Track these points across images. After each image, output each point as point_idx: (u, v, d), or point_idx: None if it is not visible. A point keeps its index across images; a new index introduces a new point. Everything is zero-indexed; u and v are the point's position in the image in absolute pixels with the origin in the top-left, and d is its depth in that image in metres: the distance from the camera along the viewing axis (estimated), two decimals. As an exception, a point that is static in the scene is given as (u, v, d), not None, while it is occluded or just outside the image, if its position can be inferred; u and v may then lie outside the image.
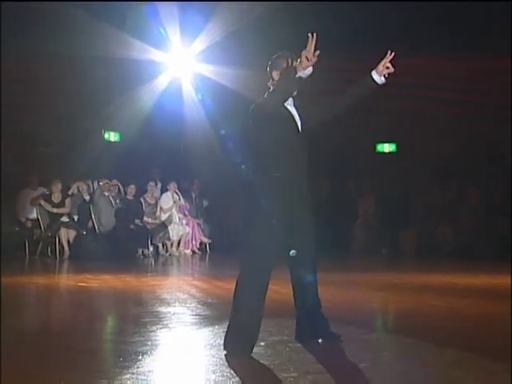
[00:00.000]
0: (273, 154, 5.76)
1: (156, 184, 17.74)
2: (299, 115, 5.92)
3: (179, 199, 17.39)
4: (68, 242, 15.65)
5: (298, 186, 5.83)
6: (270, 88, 5.92)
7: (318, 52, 5.54)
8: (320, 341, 5.99)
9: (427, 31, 15.93)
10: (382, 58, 6.07)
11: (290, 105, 5.89)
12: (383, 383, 4.90)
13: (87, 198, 16.31)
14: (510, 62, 15.81)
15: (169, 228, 16.86)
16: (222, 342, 5.69)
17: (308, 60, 5.52)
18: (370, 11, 15.55)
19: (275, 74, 5.90)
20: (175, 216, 17.20)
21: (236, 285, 5.70)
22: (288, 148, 5.78)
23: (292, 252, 5.84)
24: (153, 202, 17.16)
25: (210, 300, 8.95)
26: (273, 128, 5.74)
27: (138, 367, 5.13)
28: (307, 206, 5.93)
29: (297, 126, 5.88)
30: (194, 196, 18.15)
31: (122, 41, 15.33)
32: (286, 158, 5.76)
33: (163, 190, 17.55)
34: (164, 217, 17.07)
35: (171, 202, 17.23)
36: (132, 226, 16.30)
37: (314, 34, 5.58)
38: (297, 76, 5.60)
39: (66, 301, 9.83)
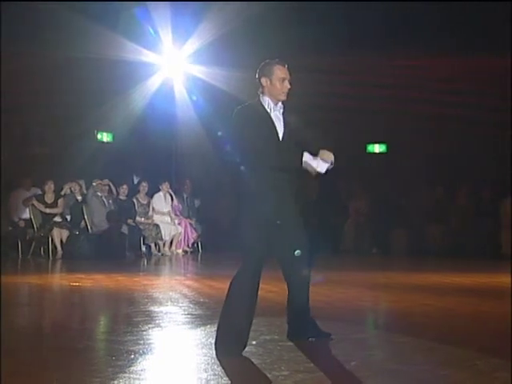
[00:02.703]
0: (254, 158, 5.80)
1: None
2: (285, 122, 5.97)
3: (172, 200, 17.43)
4: (61, 241, 15.68)
5: (288, 186, 5.88)
6: (259, 95, 5.98)
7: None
8: (311, 339, 6.04)
9: (417, 33, 15.98)
10: None
11: (277, 111, 5.95)
12: (374, 382, 4.92)
13: (80, 198, 16.33)
14: (501, 63, 15.88)
15: (161, 228, 16.89)
16: (214, 341, 5.74)
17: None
18: (359, 13, 15.60)
19: (264, 81, 5.94)
20: (167, 216, 17.23)
21: (230, 284, 5.75)
22: (270, 151, 5.81)
23: (297, 252, 5.90)
24: (145, 202, 17.19)
25: (201, 299, 8.98)
26: (253, 132, 5.77)
27: (130, 366, 5.16)
28: (297, 207, 5.99)
29: (276, 130, 5.91)
30: (185, 196, 18.17)
31: (115, 42, 15.36)
32: (268, 161, 5.80)
33: (152, 191, 17.52)
34: (156, 217, 17.10)
35: (163, 202, 17.26)
36: (124, 226, 16.33)
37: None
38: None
39: (58, 300, 9.84)
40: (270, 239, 5.77)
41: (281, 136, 5.92)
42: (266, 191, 5.75)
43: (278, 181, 5.80)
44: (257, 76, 5.98)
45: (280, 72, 5.92)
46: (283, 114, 5.98)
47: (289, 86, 5.93)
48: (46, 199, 16.07)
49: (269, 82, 5.91)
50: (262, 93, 5.95)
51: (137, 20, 15.70)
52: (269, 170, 5.77)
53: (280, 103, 5.95)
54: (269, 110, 5.91)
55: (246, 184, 5.83)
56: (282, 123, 5.95)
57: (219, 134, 14.16)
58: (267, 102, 5.91)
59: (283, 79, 5.91)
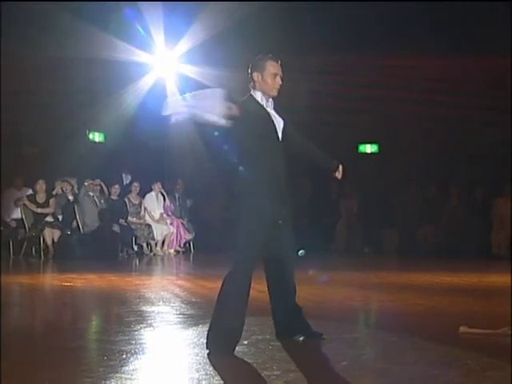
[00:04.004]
0: (252, 156, 5.81)
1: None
2: (280, 116, 5.98)
3: (164, 200, 17.43)
4: (52, 241, 15.65)
5: (278, 187, 5.88)
6: (250, 90, 5.98)
7: None
8: (301, 339, 6.05)
9: (409, 32, 16.01)
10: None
11: (269, 107, 5.96)
12: (365, 381, 4.94)
13: (71, 197, 16.30)
14: (492, 63, 15.93)
15: (153, 228, 16.89)
16: (205, 340, 5.74)
17: None
18: (351, 13, 15.62)
19: (255, 76, 5.94)
20: (159, 216, 17.23)
21: (222, 284, 5.75)
22: (267, 150, 5.82)
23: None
24: (137, 201, 17.18)
25: (193, 299, 8.99)
26: (252, 130, 5.78)
27: (122, 366, 5.15)
28: (287, 208, 6.00)
29: (275, 128, 5.92)
30: (177, 196, 18.17)
31: (107, 42, 15.34)
32: (266, 159, 5.80)
33: (144, 190, 17.50)
34: (148, 217, 17.09)
35: (155, 202, 17.26)
36: (116, 226, 16.32)
37: None
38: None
39: (50, 300, 9.83)
40: (266, 239, 5.79)
41: (280, 133, 5.93)
42: (265, 191, 5.76)
43: (273, 181, 5.81)
44: (249, 71, 5.97)
45: (272, 67, 5.91)
46: (275, 110, 5.99)
47: (280, 82, 5.93)
48: (37, 199, 16.04)
49: (260, 77, 5.90)
50: (254, 88, 5.95)
51: (129, 20, 15.70)
52: (266, 170, 5.78)
53: (271, 99, 5.96)
54: (264, 106, 5.92)
55: (245, 184, 5.82)
56: (278, 119, 5.96)
57: (216, 133, 14.17)
58: (260, 96, 5.91)
59: (275, 75, 5.91)
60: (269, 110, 5.92)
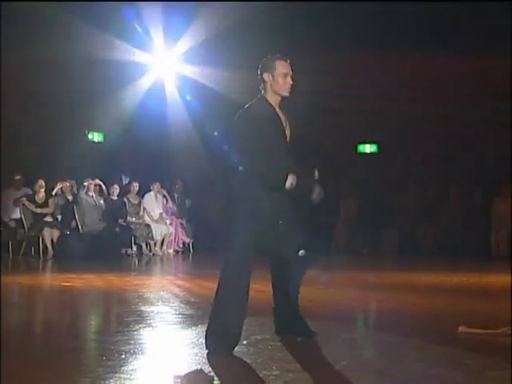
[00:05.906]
0: (262, 157, 5.77)
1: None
2: (287, 120, 5.98)
3: (167, 201, 17.43)
4: (51, 241, 15.65)
5: (281, 188, 5.86)
6: (261, 91, 5.95)
7: None
8: (299, 339, 6.05)
9: (409, 32, 16.02)
10: None
11: (278, 108, 5.94)
12: (364, 381, 4.92)
13: (70, 198, 16.30)
14: (492, 63, 15.94)
15: (152, 227, 16.88)
16: (204, 340, 5.73)
17: None
18: (350, 13, 15.62)
19: (266, 77, 5.90)
20: (158, 216, 17.22)
21: (218, 285, 5.73)
22: (277, 151, 5.81)
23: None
24: (136, 201, 17.17)
25: (192, 299, 8.99)
26: (263, 131, 5.74)
27: (121, 366, 5.15)
28: (289, 208, 6.00)
29: (284, 130, 5.92)
30: (176, 196, 18.16)
31: (106, 42, 15.35)
32: (275, 161, 5.78)
33: (143, 191, 17.50)
34: (147, 217, 17.08)
35: (155, 202, 17.25)
36: (115, 226, 16.31)
37: None
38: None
39: (49, 300, 9.82)
40: (266, 239, 5.77)
41: (288, 136, 5.94)
42: (266, 191, 5.74)
43: (276, 181, 5.80)
44: (259, 72, 5.93)
45: (282, 67, 5.87)
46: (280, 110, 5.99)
47: (291, 82, 5.89)
48: (36, 199, 16.02)
49: (271, 78, 5.85)
50: (265, 89, 5.91)
51: (128, 20, 15.70)
52: (274, 172, 5.76)
53: (280, 99, 5.95)
54: (277, 110, 5.91)
55: (245, 184, 5.79)
56: (287, 123, 5.96)
57: (215, 133, 14.18)
58: (273, 100, 5.90)
59: (286, 74, 5.87)
60: (278, 110, 5.91)
